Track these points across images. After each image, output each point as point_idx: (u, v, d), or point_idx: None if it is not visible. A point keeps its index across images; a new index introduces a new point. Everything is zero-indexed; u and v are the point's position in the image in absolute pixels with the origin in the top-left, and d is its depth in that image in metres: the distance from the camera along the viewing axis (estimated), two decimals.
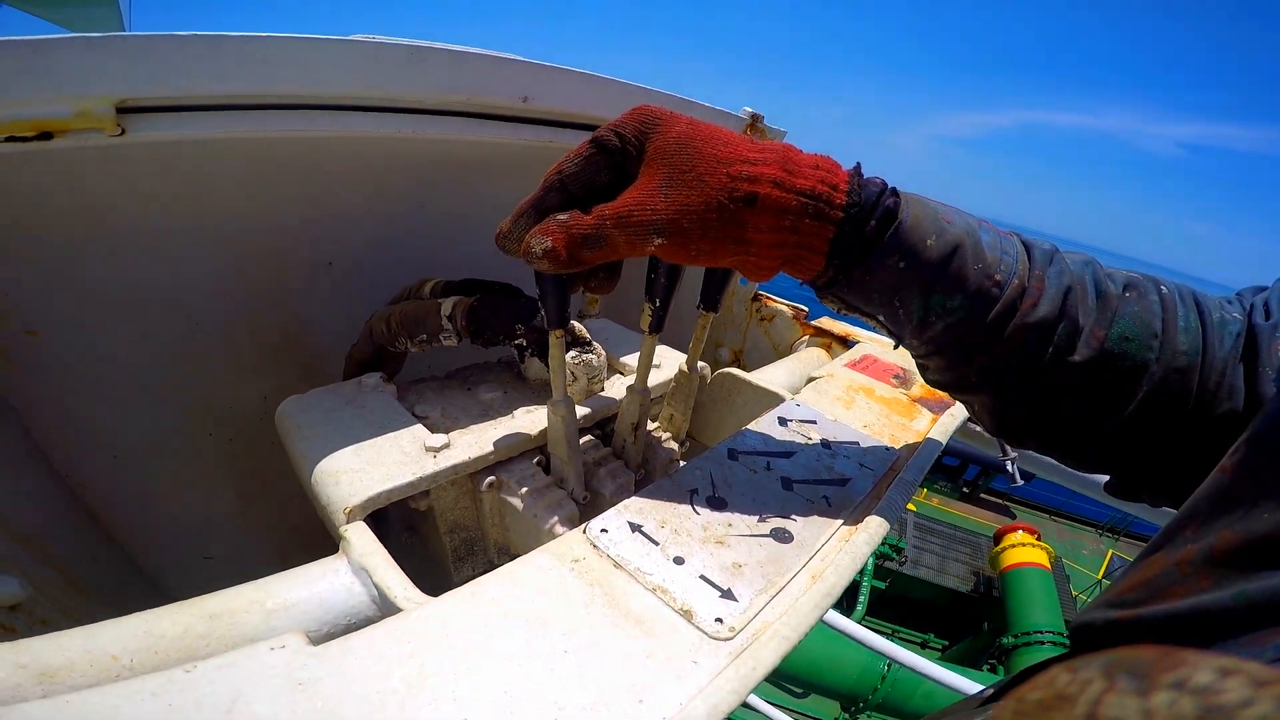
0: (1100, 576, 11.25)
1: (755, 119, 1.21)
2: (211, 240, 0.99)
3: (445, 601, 0.40)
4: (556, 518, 0.62)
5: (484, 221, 1.28)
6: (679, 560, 0.44)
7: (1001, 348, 0.50)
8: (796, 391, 0.87)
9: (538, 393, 0.82)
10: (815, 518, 0.52)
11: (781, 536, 0.49)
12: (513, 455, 0.68)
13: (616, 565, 0.44)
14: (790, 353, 1.24)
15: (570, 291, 0.58)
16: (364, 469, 0.60)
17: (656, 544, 0.46)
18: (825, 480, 0.59)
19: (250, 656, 0.36)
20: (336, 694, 0.33)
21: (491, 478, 0.66)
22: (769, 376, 0.95)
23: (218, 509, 1.36)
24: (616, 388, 0.84)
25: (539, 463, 0.70)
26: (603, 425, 0.82)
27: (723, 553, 0.46)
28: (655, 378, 0.85)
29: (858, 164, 0.50)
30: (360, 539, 0.51)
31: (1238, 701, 0.13)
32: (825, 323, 1.22)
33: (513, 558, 0.74)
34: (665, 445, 0.77)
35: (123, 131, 0.65)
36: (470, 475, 0.66)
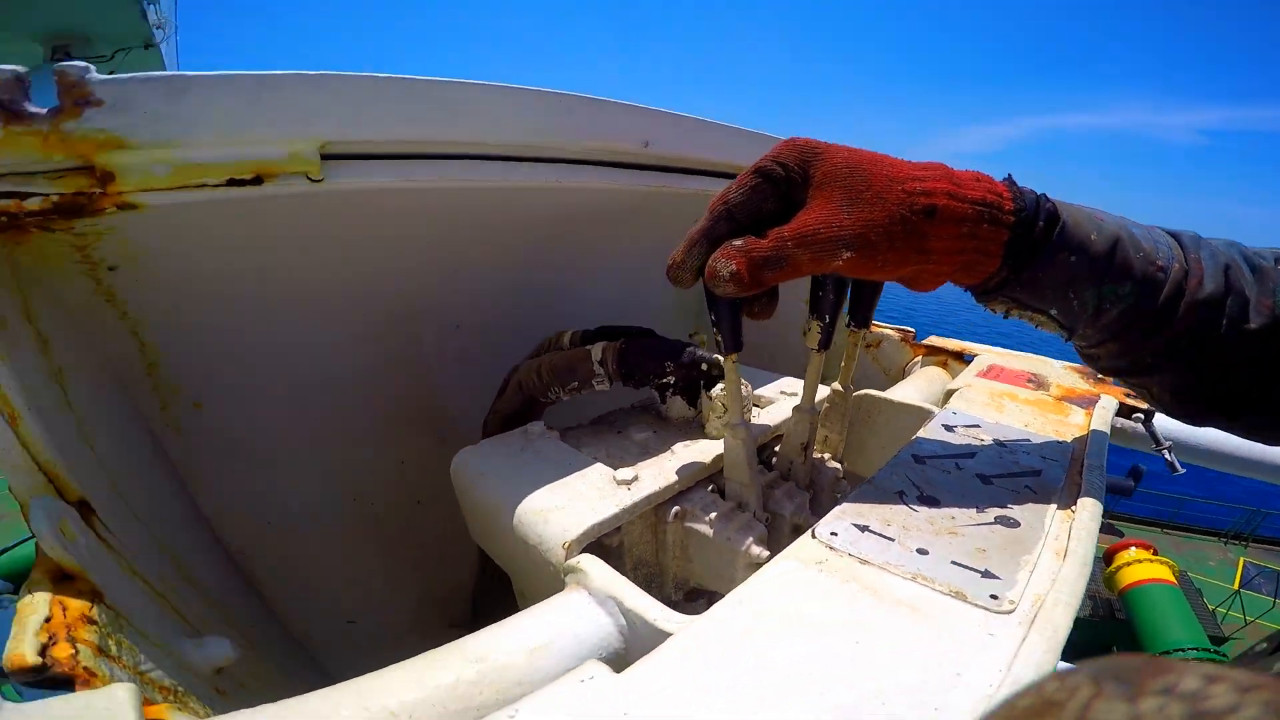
0: (1236, 586, 10.35)
1: None
2: (358, 303, 1.04)
3: (712, 616, 0.41)
4: (751, 538, 0.63)
5: (593, 272, 1.33)
6: (922, 551, 0.46)
7: (1175, 327, 0.52)
8: (937, 406, 0.88)
9: (683, 430, 0.83)
10: (1029, 505, 0.53)
11: (1008, 523, 0.50)
12: (691, 485, 0.70)
13: (862, 562, 0.45)
14: (903, 375, 1.25)
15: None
16: (567, 505, 0.63)
17: (892, 540, 0.47)
18: (1018, 473, 0.59)
19: (566, 692, 0.37)
20: (662, 717, 0.34)
21: (677, 507, 0.68)
22: (903, 394, 0.96)
23: (358, 574, 1.39)
24: (760, 417, 0.85)
25: (713, 490, 0.72)
26: (760, 451, 0.83)
27: (960, 541, 0.47)
28: (788, 408, 0.88)
29: (1009, 175, 0.53)
30: (597, 569, 0.53)
31: (1224, 706, 0.13)
32: (936, 340, 1.23)
33: (692, 591, 0.76)
34: (829, 465, 0.79)
35: (321, 179, 0.64)
36: (654, 508, 0.69)
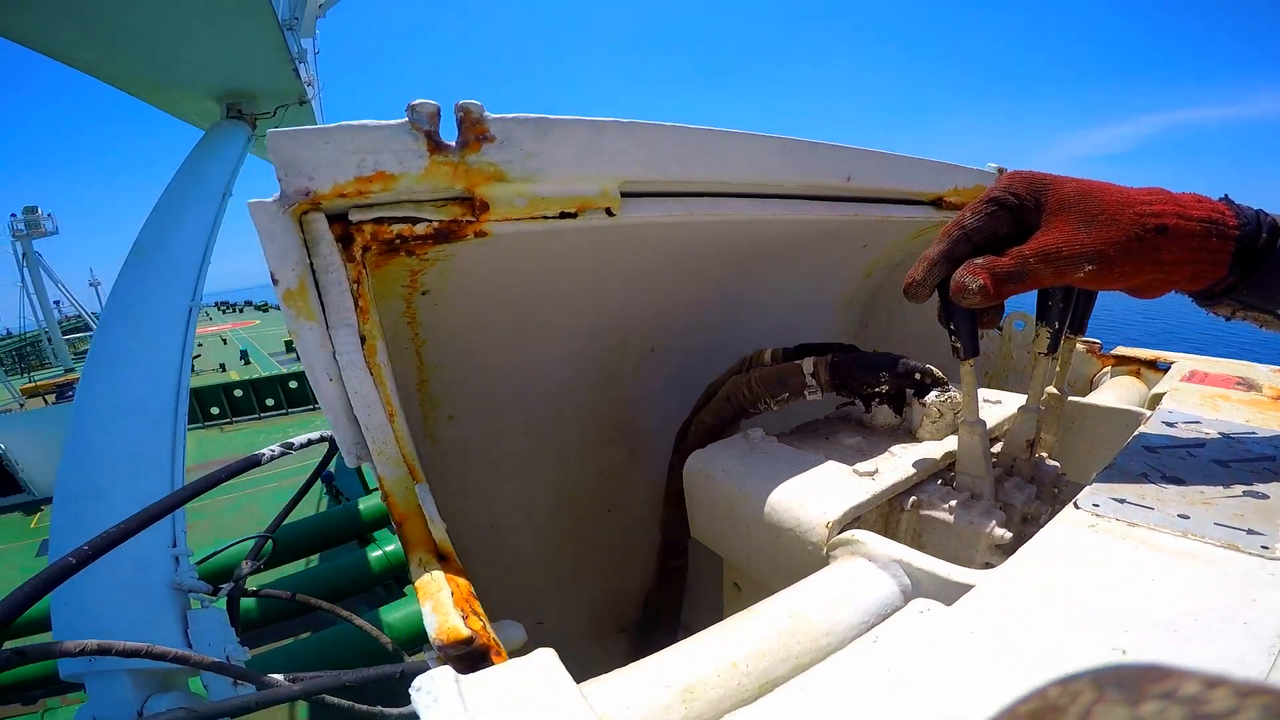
0: None
1: (1001, 171, 1.31)
2: (584, 329, 1.17)
3: (1009, 568, 0.49)
4: (994, 522, 0.71)
5: (767, 298, 1.44)
6: (1183, 516, 0.52)
7: None
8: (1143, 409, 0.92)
9: (891, 436, 0.91)
10: (1274, 483, 0.58)
11: (1256, 496, 0.55)
12: (924, 478, 0.79)
13: (1130, 524, 0.52)
14: (1090, 386, 1.27)
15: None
16: (818, 493, 0.73)
17: (1151, 509, 0.54)
18: (1253, 459, 0.64)
19: (912, 620, 0.46)
20: (1006, 633, 0.42)
21: (914, 497, 0.77)
22: (1105, 399, 1.00)
23: (554, 577, 1.53)
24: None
25: (942, 483, 0.80)
26: None
27: (1215, 510, 0.53)
28: (997, 412, 0.94)
29: (1226, 195, 0.61)
30: (875, 540, 0.62)
31: (1224, 710, 0.13)
32: (1125, 350, 1.25)
33: None
34: (1048, 463, 0.85)
35: (615, 214, 0.71)
36: (889, 499, 0.77)
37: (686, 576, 1.57)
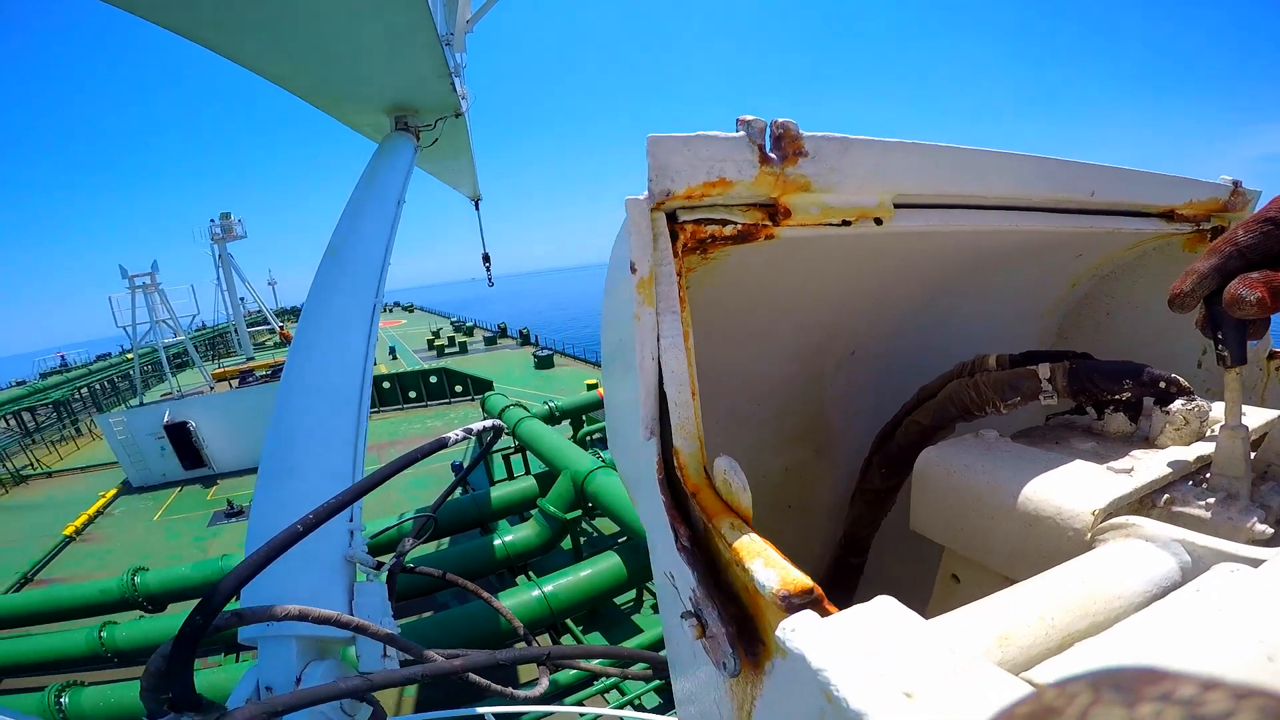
0: None
1: (1237, 185, 1.28)
2: (798, 330, 1.25)
3: None
4: (1255, 518, 0.75)
5: (975, 307, 1.47)
6: None
7: None
8: None
9: (1127, 443, 0.94)
10: None
11: None
12: (1176, 479, 0.83)
13: None
14: None
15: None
16: (1077, 486, 0.79)
17: None
18: None
19: (1224, 578, 0.53)
20: None
21: (1166, 495, 0.81)
22: None
23: None
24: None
25: (1192, 484, 0.84)
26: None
27: None
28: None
29: None
30: (1150, 524, 0.68)
31: (1220, 713, 0.13)
32: None
33: None
34: None
35: (883, 223, 0.77)
36: (1138, 498, 0.81)
37: (861, 576, 1.62)
